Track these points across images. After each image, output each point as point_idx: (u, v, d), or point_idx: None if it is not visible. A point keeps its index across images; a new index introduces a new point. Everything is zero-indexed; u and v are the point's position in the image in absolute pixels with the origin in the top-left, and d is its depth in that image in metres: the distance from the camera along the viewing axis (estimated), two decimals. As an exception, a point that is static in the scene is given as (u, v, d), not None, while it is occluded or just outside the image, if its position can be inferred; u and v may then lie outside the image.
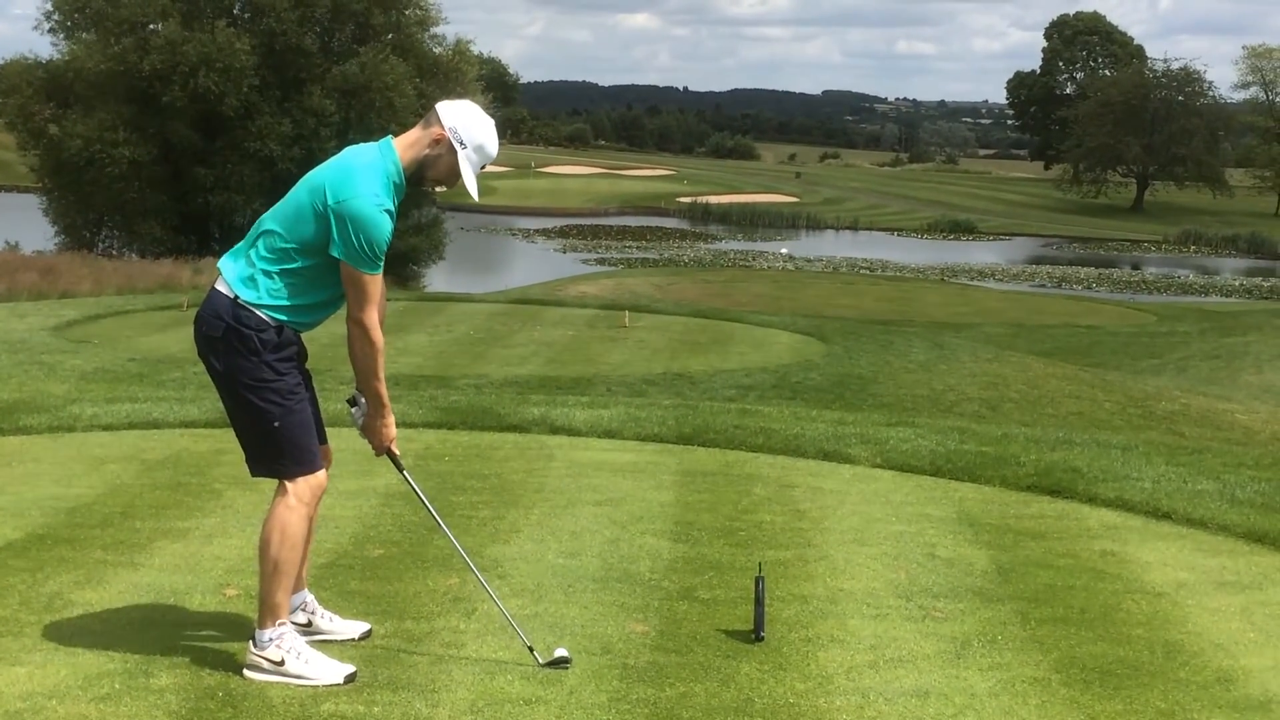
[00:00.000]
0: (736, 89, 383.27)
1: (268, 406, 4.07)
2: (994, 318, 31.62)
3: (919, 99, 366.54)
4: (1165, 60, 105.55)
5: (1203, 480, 7.56)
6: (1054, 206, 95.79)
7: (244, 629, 4.42)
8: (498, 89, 78.12)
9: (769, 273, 46.06)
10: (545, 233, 65.66)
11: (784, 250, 59.18)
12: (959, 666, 4.42)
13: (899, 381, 15.28)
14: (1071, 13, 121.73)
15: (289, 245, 4.07)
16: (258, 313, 4.06)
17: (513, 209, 73.88)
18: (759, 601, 4.57)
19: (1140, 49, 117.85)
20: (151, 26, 36.48)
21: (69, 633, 4.41)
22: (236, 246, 4.23)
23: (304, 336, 4.25)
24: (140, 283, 24.38)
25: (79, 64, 35.78)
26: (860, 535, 6.03)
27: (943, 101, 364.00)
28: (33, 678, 4.01)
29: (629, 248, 59.40)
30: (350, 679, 4.08)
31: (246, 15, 38.00)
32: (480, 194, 4.26)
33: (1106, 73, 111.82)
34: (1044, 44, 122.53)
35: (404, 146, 4.15)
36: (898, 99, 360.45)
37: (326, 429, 4.41)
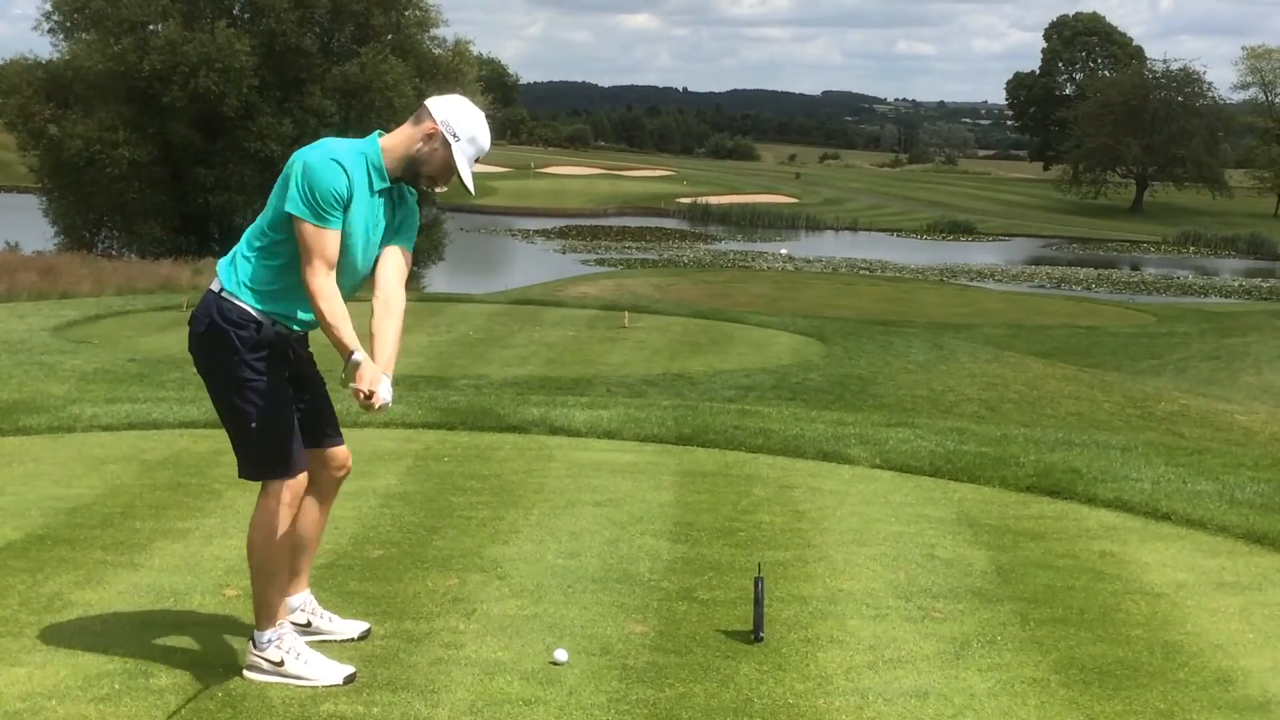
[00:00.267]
0: (736, 89, 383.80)
1: (245, 406, 4.05)
2: (993, 318, 31.63)
3: (919, 100, 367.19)
4: (1165, 61, 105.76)
5: (1202, 481, 7.56)
6: (1053, 207, 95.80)
7: (244, 629, 4.42)
8: (497, 90, 78.15)
9: (769, 273, 46.06)
10: (545, 233, 65.64)
11: (784, 251, 59.17)
12: (958, 667, 4.42)
13: (898, 382, 15.28)
14: (1071, 13, 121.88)
15: (264, 223, 4.08)
16: (239, 304, 4.04)
17: (512, 209, 73.91)
18: (758, 602, 4.57)
19: (1140, 50, 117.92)
20: (151, 27, 36.50)
21: (69, 633, 4.41)
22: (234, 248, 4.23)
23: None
24: (140, 283, 24.38)
25: (79, 64, 35.81)
26: (859, 536, 6.03)
27: (942, 102, 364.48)
28: (32, 678, 4.01)
29: (629, 248, 59.38)
30: (350, 679, 4.08)
31: (246, 16, 38.02)
32: (479, 193, 4.25)
33: (1106, 73, 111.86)
34: (1043, 45, 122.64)
35: (393, 143, 4.12)
36: (897, 100, 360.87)
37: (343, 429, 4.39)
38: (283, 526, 4.09)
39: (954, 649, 4.58)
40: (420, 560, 5.38)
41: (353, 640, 4.43)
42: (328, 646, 4.32)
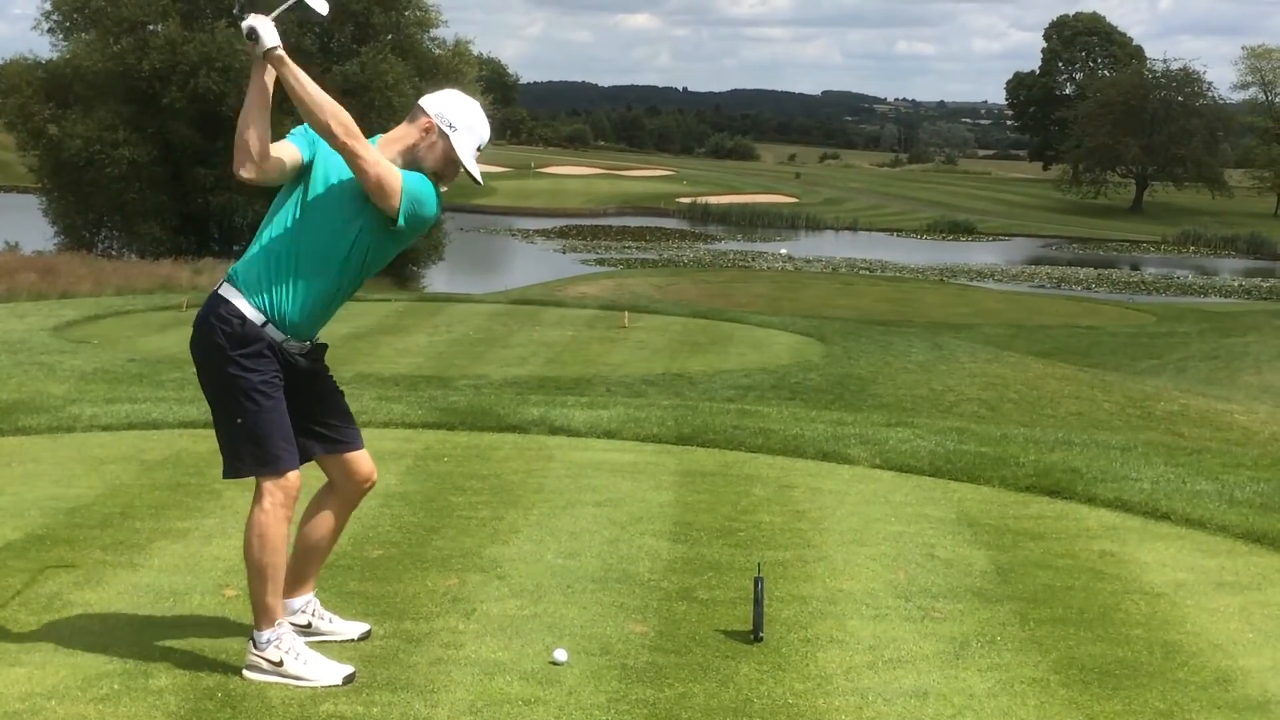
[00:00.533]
0: (736, 89, 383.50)
1: (232, 403, 4.03)
2: (993, 318, 31.64)
3: (918, 99, 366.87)
4: (1164, 61, 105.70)
5: (1201, 481, 7.56)
6: (1053, 207, 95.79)
7: (243, 629, 4.42)
8: (497, 89, 78.14)
9: (768, 273, 46.07)
10: (545, 233, 65.62)
11: (783, 251, 59.16)
12: (958, 667, 4.42)
13: (898, 382, 15.28)
14: (1071, 13, 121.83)
15: (270, 216, 4.12)
16: (235, 303, 4.03)
17: (512, 209, 73.88)
18: (758, 602, 4.57)
19: (1139, 49, 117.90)
20: (151, 27, 36.49)
21: (68, 633, 4.41)
22: None
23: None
24: (140, 283, 24.38)
25: (78, 64, 35.80)
26: (859, 536, 6.03)
27: (942, 102, 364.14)
28: (32, 678, 4.01)
29: (628, 248, 59.38)
30: (349, 680, 4.08)
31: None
32: (481, 193, 4.24)
33: (1106, 73, 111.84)
34: (1043, 44, 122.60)
35: (389, 141, 4.12)
36: (897, 99, 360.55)
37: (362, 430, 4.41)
38: (275, 528, 4.05)
39: (953, 649, 4.58)
40: (420, 560, 5.38)
41: (353, 641, 4.43)
42: (327, 647, 4.32)
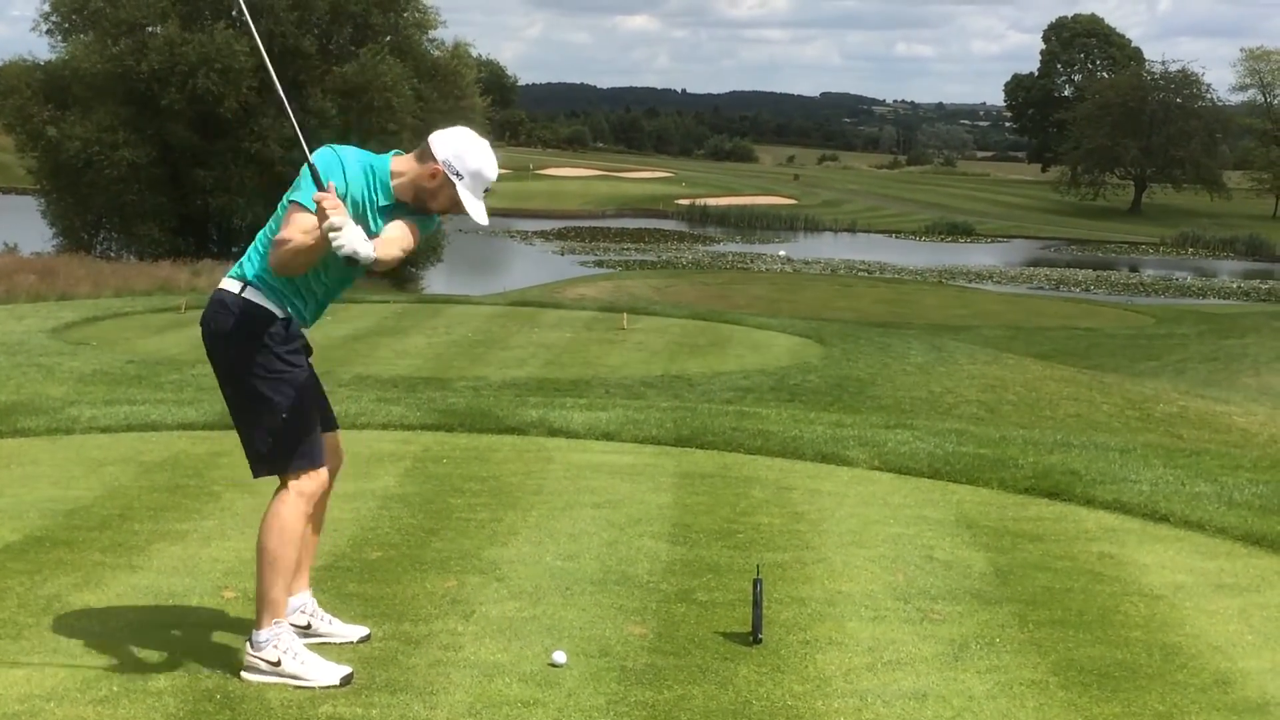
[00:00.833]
0: (735, 91, 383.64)
1: (279, 398, 4.08)
2: (992, 320, 31.66)
3: (917, 101, 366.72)
4: (1163, 62, 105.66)
5: (1200, 483, 7.56)
6: (1052, 209, 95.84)
7: (242, 631, 4.42)
8: (496, 91, 78.05)
9: (767, 275, 46.11)
10: (543, 235, 65.65)
11: (782, 252, 59.16)
12: (957, 669, 4.42)
13: (897, 384, 15.28)
14: (1070, 15, 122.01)
15: (272, 222, 4.15)
16: (263, 301, 4.09)
17: (511, 211, 73.84)
18: (757, 604, 4.57)
19: (1138, 51, 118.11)
20: (150, 29, 36.48)
21: (67, 635, 4.40)
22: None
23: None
24: (138, 285, 24.35)
25: (77, 65, 35.77)
26: (858, 537, 6.03)
27: (941, 104, 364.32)
28: (31, 680, 4.01)
29: (627, 250, 59.38)
30: (347, 680, 4.08)
31: (245, 18, 38.01)
32: (486, 223, 4.27)
33: (1104, 75, 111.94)
34: (1042, 46, 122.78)
35: (401, 170, 4.17)
36: (896, 101, 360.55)
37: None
38: (297, 522, 4.12)
39: (952, 651, 4.58)
40: (419, 562, 5.38)
41: (351, 644, 4.42)
42: (325, 649, 4.32)
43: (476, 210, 4.20)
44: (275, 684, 4.04)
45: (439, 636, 4.51)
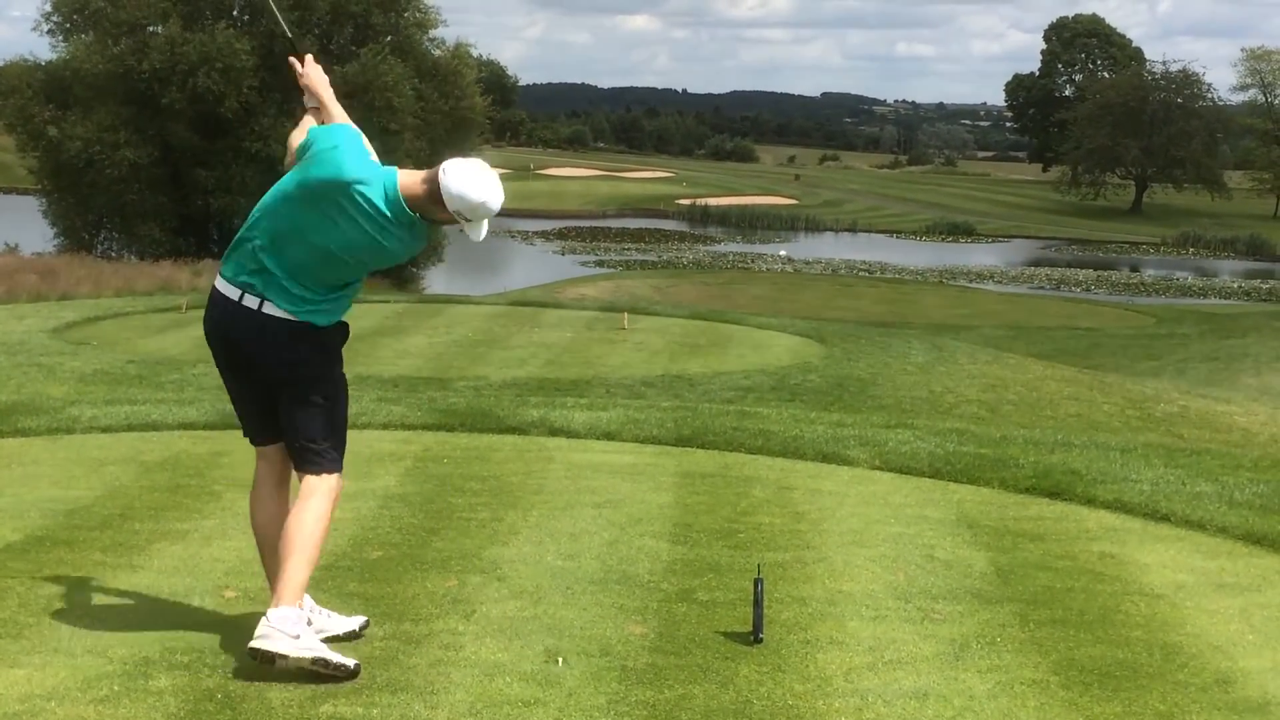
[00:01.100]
0: (735, 91, 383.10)
1: (343, 398, 4.42)
2: (993, 320, 31.68)
3: (918, 101, 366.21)
4: (1164, 62, 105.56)
5: (1201, 482, 7.56)
6: (1052, 209, 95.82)
7: (243, 630, 4.42)
8: (497, 91, 77.90)
9: (768, 275, 46.14)
10: (544, 235, 65.67)
11: (783, 252, 59.19)
12: (958, 668, 4.42)
13: (898, 384, 15.28)
14: (1070, 15, 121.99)
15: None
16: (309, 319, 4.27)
17: (512, 211, 73.68)
18: (758, 603, 4.57)
19: (1139, 51, 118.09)
20: (151, 28, 36.48)
21: (67, 635, 4.40)
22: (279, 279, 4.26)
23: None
24: (139, 285, 24.38)
25: (78, 65, 35.78)
26: (859, 537, 6.03)
27: (942, 104, 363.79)
28: (31, 680, 4.01)
29: (628, 250, 59.41)
30: (355, 671, 4.09)
31: (246, 17, 38.03)
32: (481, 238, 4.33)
33: (1105, 75, 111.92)
34: (1043, 46, 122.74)
35: (409, 188, 4.18)
36: (897, 101, 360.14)
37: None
38: (333, 514, 4.36)
39: (953, 650, 4.58)
40: (419, 562, 5.38)
41: (353, 633, 4.44)
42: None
43: (476, 235, 4.23)
44: (295, 656, 4.02)
45: (440, 636, 4.51)
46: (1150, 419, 15.34)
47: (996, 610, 5.05)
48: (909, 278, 49.19)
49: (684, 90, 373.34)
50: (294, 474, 4.45)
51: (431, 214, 4.20)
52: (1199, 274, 62.05)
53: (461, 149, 41.00)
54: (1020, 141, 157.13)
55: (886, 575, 5.45)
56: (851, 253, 61.05)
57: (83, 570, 5.12)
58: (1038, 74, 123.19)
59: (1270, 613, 5.19)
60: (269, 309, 4.21)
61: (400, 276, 35.95)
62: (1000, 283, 50.93)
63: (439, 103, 38.07)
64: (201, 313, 4.41)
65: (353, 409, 4.52)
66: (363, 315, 17.78)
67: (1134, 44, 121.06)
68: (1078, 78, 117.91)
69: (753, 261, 53.95)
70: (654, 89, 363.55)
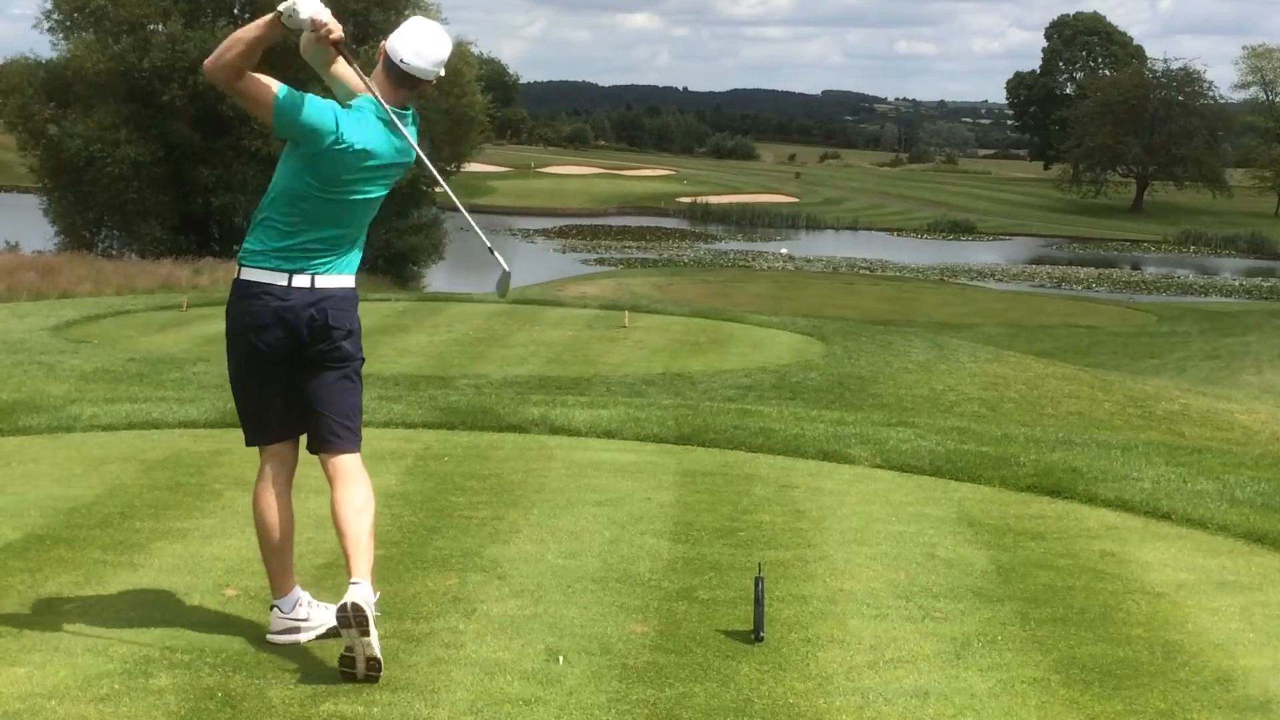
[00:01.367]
0: (736, 89, 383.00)
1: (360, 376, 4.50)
2: (994, 318, 31.68)
3: (919, 99, 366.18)
4: (1165, 60, 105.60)
5: (1202, 480, 7.56)
6: (1053, 207, 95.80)
7: (243, 629, 4.42)
8: (497, 89, 78.08)
9: (769, 273, 46.14)
10: (545, 233, 65.68)
11: (784, 250, 59.21)
12: (959, 667, 4.42)
13: (899, 382, 15.27)
14: (1071, 13, 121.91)
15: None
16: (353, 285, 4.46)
17: (512, 209, 73.85)
18: (758, 602, 4.57)
19: (1140, 49, 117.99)
20: (151, 27, 36.48)
21: (68, 633, 4.40)
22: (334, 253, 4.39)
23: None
24: (140, 283, 24.40)
25: (79, 64, 35.78)
26: (860, 535, 6.03)
27: (942, 101, 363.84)
28: (31, 678, 4.01)
29: (629, 248, 59.44)
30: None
31: (247, 15, 38.02)
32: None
33: (1106, 73, 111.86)
34: (1044, 44, 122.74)
35: (361, 82, 4.53)
36: (897, 99, 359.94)
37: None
38: None
39: (954, 649, 4.58)
40: (420, 560, 5.38)
41: (334, 629, 4.42)
42: (327, 647, 4.31)
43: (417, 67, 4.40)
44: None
45: (440, 634, 4.51)
46: (1151, 417, 15.33)
47: (997, 608, 5.05)
48: (910, 276, 49.20)
49: (685, 88, 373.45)
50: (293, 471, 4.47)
51: (400, 99, 4.42)
52: (1200, 272, 62.06)
53: (462, 147, 41.03)
54: (1021, 139, 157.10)
55: (887, 573, 5.44)
56: (852, 251, 61.09)
57: (83, 569, 5.12)
58: (1039, 72, 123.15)
59: (1271, 611, 5.19)
60: (322, 281, 4.32)
61: (401, 274, 35.97)
62: (1001, 281, 50.95)
63: (439, 100, 38.05)
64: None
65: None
66: (364, 313, 17.64)
67: (1135, 42, 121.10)
68: (1079, 75, 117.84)
69: (753, 260, 53.98)
70: (655, 87, 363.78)
